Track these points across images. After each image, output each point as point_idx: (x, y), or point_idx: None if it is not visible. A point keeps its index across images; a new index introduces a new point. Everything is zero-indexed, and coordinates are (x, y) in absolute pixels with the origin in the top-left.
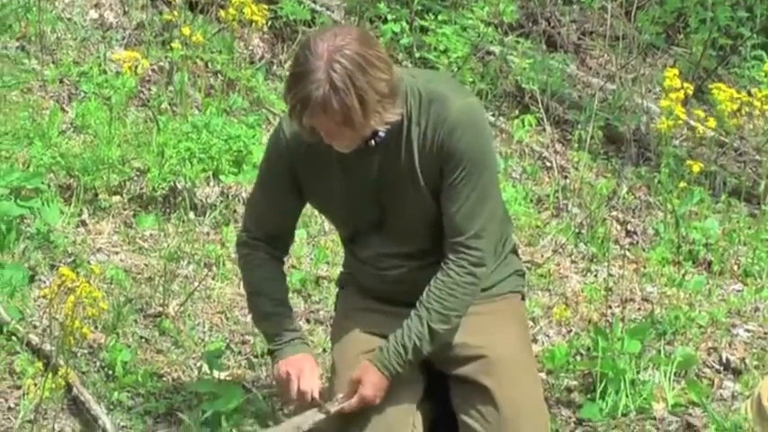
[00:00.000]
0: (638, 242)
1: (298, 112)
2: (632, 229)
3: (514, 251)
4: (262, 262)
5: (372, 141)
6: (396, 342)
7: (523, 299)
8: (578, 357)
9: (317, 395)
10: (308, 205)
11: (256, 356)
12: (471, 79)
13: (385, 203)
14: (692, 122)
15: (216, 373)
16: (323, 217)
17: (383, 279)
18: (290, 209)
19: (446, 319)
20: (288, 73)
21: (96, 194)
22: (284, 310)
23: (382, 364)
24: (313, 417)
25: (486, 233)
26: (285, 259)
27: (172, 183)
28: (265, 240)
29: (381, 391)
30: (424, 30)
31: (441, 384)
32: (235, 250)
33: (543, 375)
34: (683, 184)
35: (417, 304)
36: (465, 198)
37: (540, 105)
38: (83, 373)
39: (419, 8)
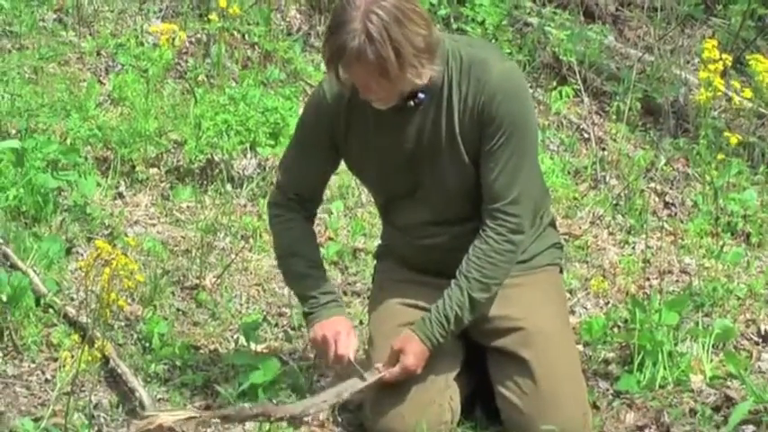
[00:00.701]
0: (676, 214)
1: (333, 62)
2: (670, 201)
3: (552, 224)
4: (294, 223)
5: (411, 102)
6: (438, 312)
7: (561, 272)
8: (616, 329)
9: (353, 358)
10: (345, 177)
11: (293, 329)
12: (509, 50)
13: (422, 167)
14: (731, 94)
15: (253, 346)
16: (361, 188)
17: (420, 248)
18: (324, 169)
19: (486, 287)
20: (326, 25)
21: (133, 167)
22: (319, 272)
23: (425, 334)
24: (353, 385)
25: (524, 199)
26: (315, 216)
27: (209, 155)
28: (297, 201)
29: (423, 361)
30: (461, 1)
31: (478, 357)
32: (266, 211)
33: (580, 347)
34: (721, 156)
35: (457, 274)
36: (504, 163)
37: (578, 77)
38: (119, 345)
39: None
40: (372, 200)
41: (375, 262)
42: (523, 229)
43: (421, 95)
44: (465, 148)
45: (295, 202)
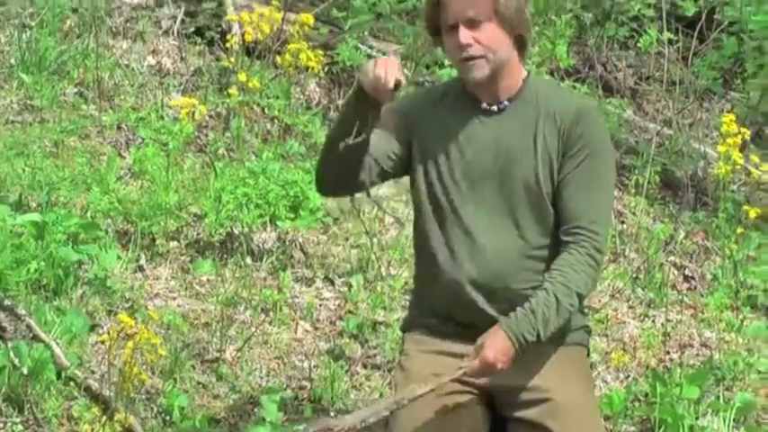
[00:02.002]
0: (695, 287)
1: None
2: (690, 275)
3: (582, 310)
4: None
5: (496, 107)
6: (524, 309)
7: (588, 355)
8: (636, 403)
9: (402, 79)
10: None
11: (313, 402)
12: None
13: (496, 173)
14: (750, 167)
15: (273, 419)
16: (381, 260)
17: (462, 272)
18: (392, 148)
19: (570, 292)
20: None
21: (154, 240)
22: None
23: (510, 328)
24: (412, 391)
25: (604, 222)
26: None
27: (229, 228)
28: None
29: (505, 357)
30: None
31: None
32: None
33: (602, 421)
34: (740, 230)
35: (541, 282)
36: (586, 184)
37: None
38: (141, 418)
39: None
40: (392, 273)
41: (402, 334)
42: (604, 250)
43: (506, 102)
44: (543, 163)
45: None
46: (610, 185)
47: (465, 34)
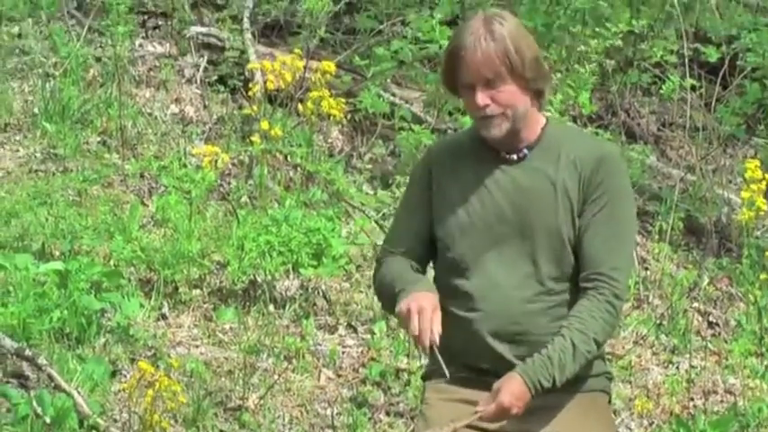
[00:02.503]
0: (720, 333)
1: (455, 59)
2: (714, 321)
3: (603, 357)
4: (387, 264)
5: (515, 156)
6: (540, 355)
7: (610, 402)
8: None
9: (436, 338)
10: None
11: None
12: None
13: (515, 222)
14: None
15: None
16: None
17: (483, 330)
18: (423, 224)
19: (587, 338)
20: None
21: (176, 288)
22: (411, 273)
23: (526, 373)
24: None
25: (624, 269)
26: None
27: (251, 276)
28: (395, 253)
29: (520, 402)
30: None
31: None
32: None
33: None
34: (764, 276)
35: (561, 328)
36: (607, 230)
37: None
38: None
39: None
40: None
41: (423, 383)
42: (624, 296)
43: (526, 151)
44: (564, 210)
45: (394, 255)
46: (631, 232)
47: (482, 95)
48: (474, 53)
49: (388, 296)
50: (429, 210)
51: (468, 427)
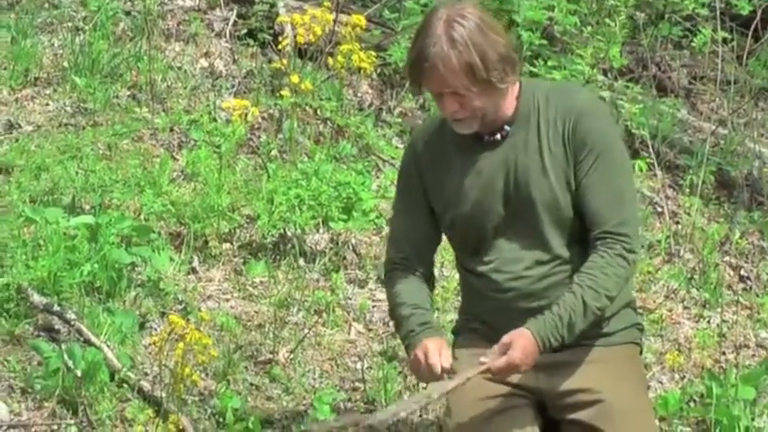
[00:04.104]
0: (751, 287)
1: (417, 71)
2: (745, 275)
3: (633, 306)
4: (400, 279)
5: (498, 135)
6: (551, 313)
7: (641, 353)
8: (692, 404)
9: (447, 366)
10: None
11: (366, 403)
12: None
13: (512, 200)
14: None
15: (326, 420)
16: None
17: (505, 300)
18: (422, 223)
19: (598, 296)
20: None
21: (206, 242)
22: (419, 311)
23: (537, 331)
24: (443, 385)
25: (631, 221)
26: (431, 277)
27: (281, 230)
28: (404, 264)
29: (530, 358)
30: (534, 76)
31: None
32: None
33: (656, 422)
34: None
35: (570, 284)
36: (605, 186)
37: (651, 151)
38: (194, 420)
39: (529, 54)
40: (445, 274)
41: (453, 338)
42: (636, 249)
43: (507, 127)
44: (556, 177)
45: (401, 263)
46: (628, 180)
47: (449, 102)
48: (436, 67)
49: (398, 329)
50: (426, 207)
51: (496, 381)
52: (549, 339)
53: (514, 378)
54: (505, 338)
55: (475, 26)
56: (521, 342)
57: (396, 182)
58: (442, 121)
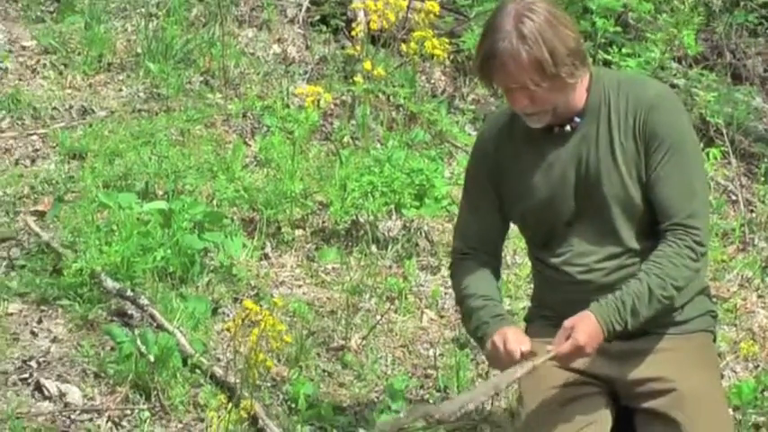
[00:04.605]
0: None
1: (487, 67)
2: None
3: (708, 294)
4: (468, 269)
5: (568, 127)
6: (614, 297)
7: (714, 340)
8: (766, 393)
9: (526, 350)
10: None
11: (439, 391)
12: None
13: (584, 193)
14: None
15: (398, 407)
16: (506, 249)
17: (573, 293)
18: (491, 216)
19: (664, 284)
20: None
21: (279, 228)
22: (492, 303)
23: (599, 314)
24: (511, 374)
25: (701, 214)
26: (497, 267)
27: (354, 216)
28: (471, 254)
29: (594, 341)
30: (608, 63)
31: (628, 422)
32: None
33: (730, 411)
34: None
35: (637, 271)
36: (676, 177)
37: (726, 139)
38: (266, 405)
39: (603, 41)
40: (518, 261)
41: (525, 325)
42: (705, 242)
43: (577, 119)
44: (627, 170)
45: (469, 255)
46: (701, 172)
47: (519, 96)
48: (506, 63)
49: (467, 323)
50: (495, 200)
51: (566, 369)
52: (611, 323)
53: (587, 366)
54: (567, 323)
55: (544, 20)
56: (583, 325)
57: (465, 173)
58: (512, 113)
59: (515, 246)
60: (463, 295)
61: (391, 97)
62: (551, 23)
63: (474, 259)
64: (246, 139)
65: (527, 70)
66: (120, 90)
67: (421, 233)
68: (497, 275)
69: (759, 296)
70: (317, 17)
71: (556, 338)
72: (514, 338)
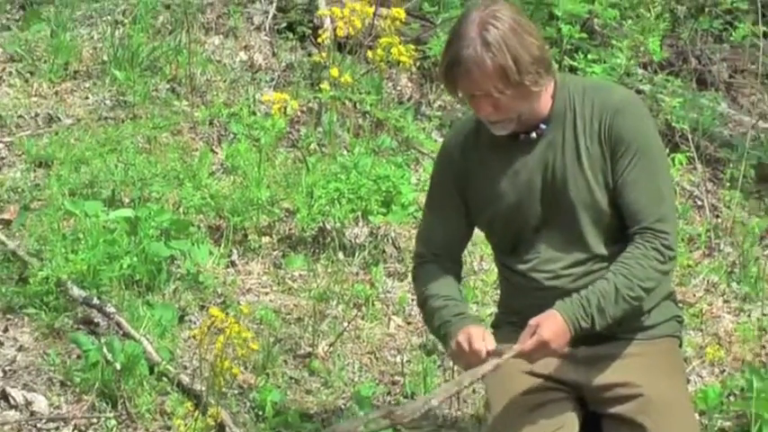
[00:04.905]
0: None
1: (451, 74)
2: None
3: (674, 299)
4: (430, 272)
5: (534, 134)
6: (579, 296)
7: (680, 345)
8: (732, 398)
9: (491, 348)
10: None
11: (406, 397)
12: None
13: (550, 199)
14: None
15: (366, 414)
16: (473, 255)
17: (540, 298)
18: (455, 222)
19: (631, 284)
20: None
21: (246, 235)
22: (453, 302)
23: (565, 311)
24: (486, 366)
25: (669, 217)
26: (459, 273)
27: (321, 223)
28: (434, 260)
29: (560, 338)
30: (573, 69)
31: (595, 428)
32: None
33: (696, 416)
34: None
35: (606, 272)
36: (644, 182)
37: (691, 144)
38: (233, 413)
39: (568, 47)
40: (485, 267)
41: (492, 331)
42: (674, 246)
43: (542, 126)
44: (594, 175)
45: (429, 260)
46: (666, 177)
47: (483, 104)
48: (470, 70)
49: (429, 322)
50: (459, 207)
51: (533, 374)
52: (577, 320)
53: (554, 372)
54: (532, 321)
55: (509, 28)
56: (548, 322)
57: (430, 179)
58: (478, 120)
59: (482, 252)
60: (425, 296)
61: (358, 104)
62: (515, 31)
63: (436, 264)
64: (213, 147)
65: (491, 77)
66: (87, 98)
67: (388, 240)
68: (459, 280)
69: (725, 301)
70: (284, 24)
71: (521, 336)
72: (479, 337)
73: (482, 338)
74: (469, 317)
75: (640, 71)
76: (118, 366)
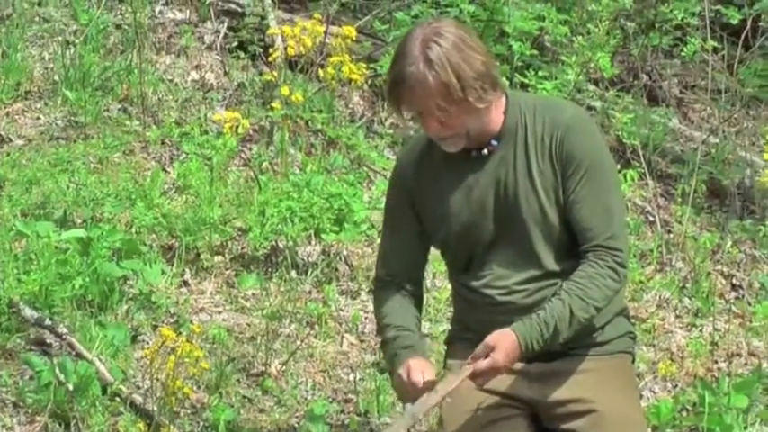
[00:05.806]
0: (743, 296)
1: (396, 92)
2: (737, 283)
3: (626, 315)
4: (388, 298)
5: (485, 150)
6: (537, 318)
7: (633, 361)
8: (684, 413)
9: (429, 379)
10: None
11: (359, 415)
12: None
13: (502, 216)
14: None
15: None
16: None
17: (493, 314)
18: (412, 242)
19: (586, 305)
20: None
21: (198, 254)
22: (405, 334)
23: (522, 334)
24: (428, 399)
25: (620, 235)
26: (419, 295)
27: (273, 242)
28: (391, 281)
29: (513, 361)
30: (524, 86)
31: None
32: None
33: (649, 431)
34: None
35: (558, 290)
36: (594, 201)
37: (642, 160)
38: None
39: (519, 64)
40: (438, 284)
41: (445, 348)
42: (626, 264)
43: (494, 142)
44: (545, 192)
45: (387, 281)
46: (617, 194)
47: (430, 122)
48: (413, 88)
49: (383, 351)
50: (415, 226)
51: (487, 391)
52: (532, 344)
53: (508, 388)
54: (489, 340)
55: (452, 45)
56: (505, 344)
57: (385, 199)
58: (427, 140)
59: (435, 269)
60: (381, 326)
61: (309, 122)
62: (459, 48)
63: (395, 287)
64: (165, 166)
65: (433, 95)
66: (38, 118)
67: (340, 258)
68: (419, 303)
69: (677, 316)
70: (235, 43)
71: (475, 351)
72: (417, 369)
73: (420, 370)
74: (416, 349)
75: (591, 87)
76: (70, 387)
